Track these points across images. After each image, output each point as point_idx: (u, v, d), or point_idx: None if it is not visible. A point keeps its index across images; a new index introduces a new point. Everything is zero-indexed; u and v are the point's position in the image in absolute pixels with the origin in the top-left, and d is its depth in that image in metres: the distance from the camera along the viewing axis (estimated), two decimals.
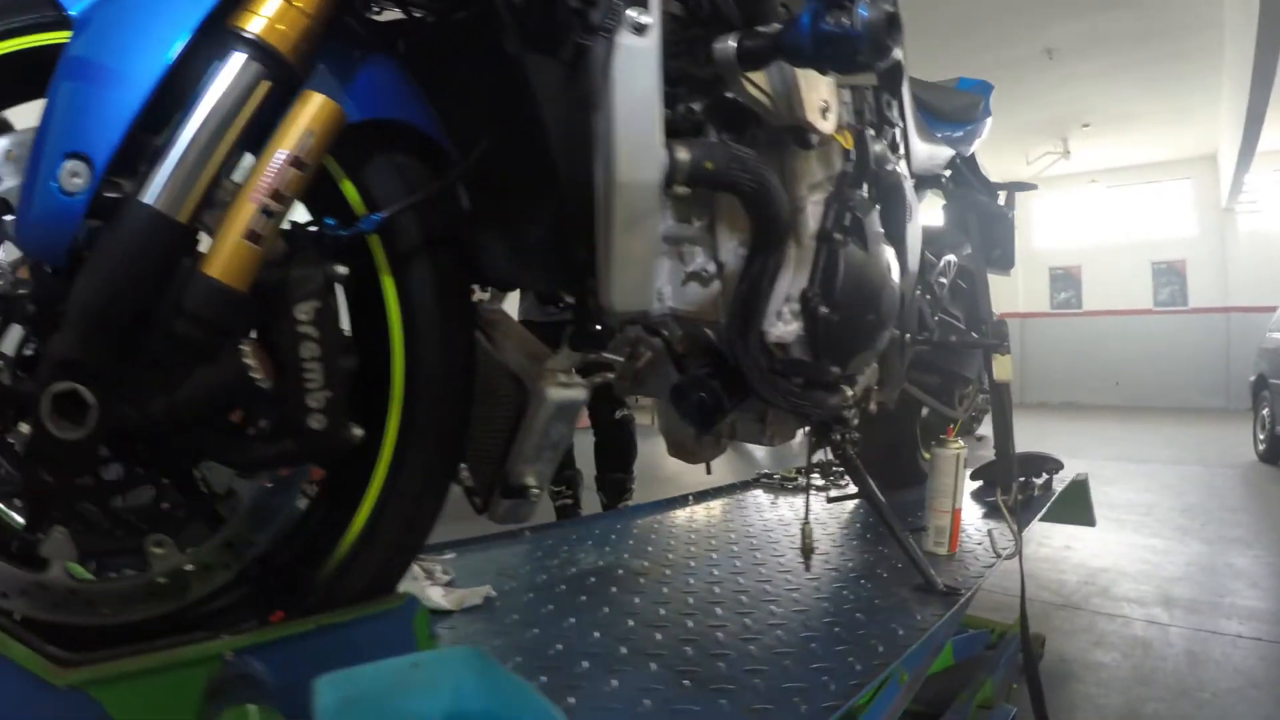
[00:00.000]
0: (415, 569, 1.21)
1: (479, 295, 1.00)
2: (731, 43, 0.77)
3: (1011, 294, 9.98)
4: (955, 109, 1.63)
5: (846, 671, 0.88)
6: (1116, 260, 9.83)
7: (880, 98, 1.06)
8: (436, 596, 1.15)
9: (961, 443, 1.45)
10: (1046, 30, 5.74)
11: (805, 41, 0.70)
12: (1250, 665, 1.86)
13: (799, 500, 1.92)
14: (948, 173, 1.73)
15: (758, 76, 0.80)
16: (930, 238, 1.72)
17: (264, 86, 0.64)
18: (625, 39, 0.70)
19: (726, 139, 0.84)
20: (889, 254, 1.03)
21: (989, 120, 1.78)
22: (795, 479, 2.10)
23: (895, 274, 1.04)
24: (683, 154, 0.75)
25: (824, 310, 0.92)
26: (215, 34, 0.63)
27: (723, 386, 0.94)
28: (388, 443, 0.77)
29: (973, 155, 1.85)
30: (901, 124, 1.17)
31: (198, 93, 0.62)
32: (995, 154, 7.16)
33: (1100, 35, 5.74)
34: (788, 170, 0.91)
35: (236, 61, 0.63)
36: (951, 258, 1.67)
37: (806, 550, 1.14)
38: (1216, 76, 6.29)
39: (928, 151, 1.41)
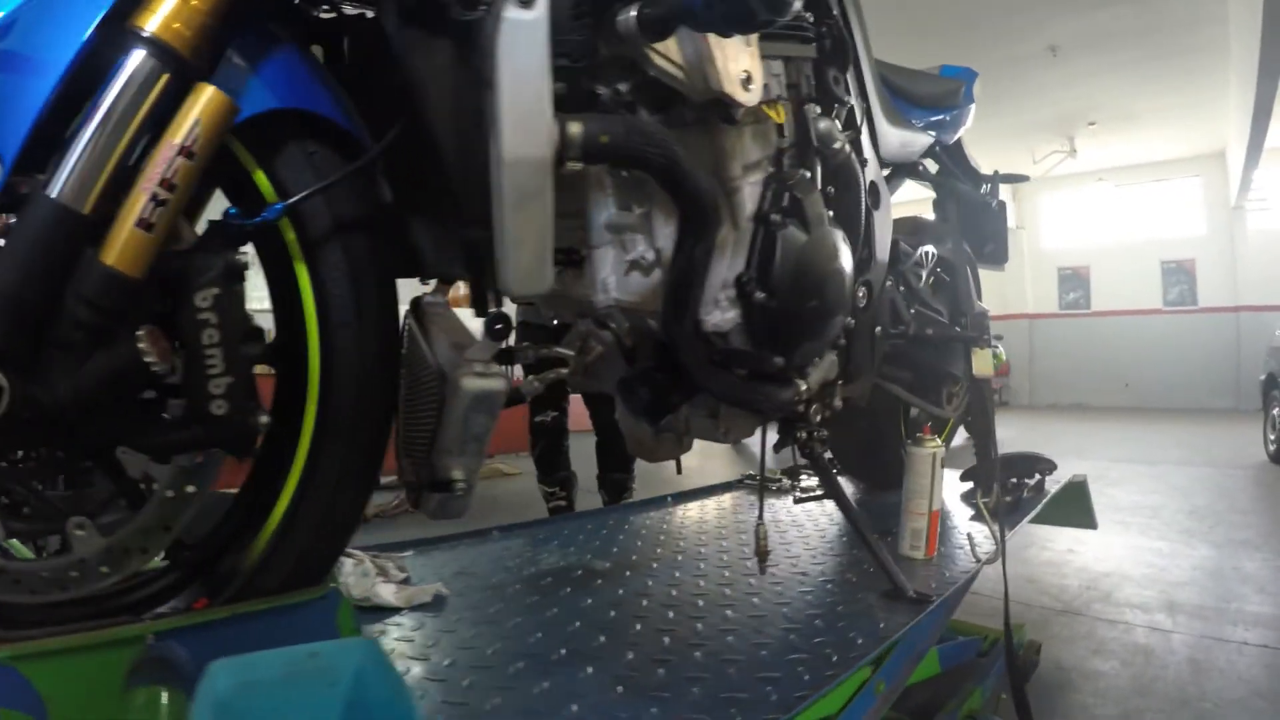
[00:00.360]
0: (369, 565, 1.18)
1: (423, 288, 0.98)
2: (632, 13, 0.75)
3: (1020, 295, 9.90)
4: (933, 95, 1.58)
5: (793, 681, 0.83)
6: (1125, 260, 9.71)
7: (825, 72, 1.01)
8: (387, 594, 1.13)
9: (939, 441, 1.40)
10: (1050, 27, 5.68)
11: (698, 2, 0.68)
12: (1255, 674, 1.79)
13: (780, 502, 1.87)
14: (928, 161, 1.67)
15: (669, 48, 0.78)
16: (911, 228, 1.68)
17: (163, 81, 0.66)
18: (510, 12, 0.69)
19: (656, 120, 0.81)
20: (836, 237, 0.98)
21: (972, 107, 1.73)
22: (780, 480, 2.05)
23: (844, 259, 0.99)
24: (575, 128, 0.72)
25: (760, 296, 0.88)
26: (118, 33, 0.65)
27: (669, 380, 0.90)
28: (305, 432, 0.78)
29: (958, 143, 1.79)
30: (863, 103, 1.12)
31: (101, 90, 0.64)
32: (1001, 153, 7.12)
33: (1104, 32, 5.69)
34: (719, 149, 0.87)
35: (136, 58, 0.65)
36: (930, 248, 1.62)
37: (761, 552, 1.09)
38: (1223, 72, 6.21)
39: (901, 137, 1.36)
